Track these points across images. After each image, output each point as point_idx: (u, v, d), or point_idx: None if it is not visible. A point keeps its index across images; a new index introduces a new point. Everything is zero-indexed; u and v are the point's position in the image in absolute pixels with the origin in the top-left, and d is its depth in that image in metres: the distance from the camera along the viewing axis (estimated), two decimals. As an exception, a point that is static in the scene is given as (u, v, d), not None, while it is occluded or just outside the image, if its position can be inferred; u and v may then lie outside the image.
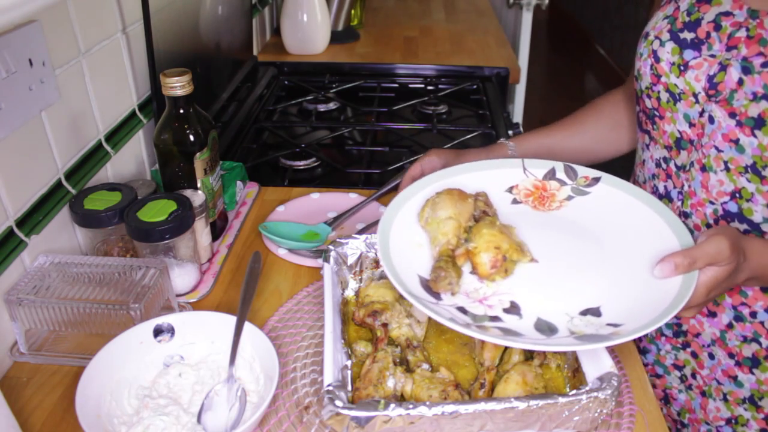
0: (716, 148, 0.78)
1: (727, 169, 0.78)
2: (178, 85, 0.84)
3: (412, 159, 1.02)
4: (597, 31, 5.05)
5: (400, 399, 0.66)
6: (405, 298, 0.64)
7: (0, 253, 0.75)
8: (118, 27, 1.00)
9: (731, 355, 0.86)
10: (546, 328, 0.63)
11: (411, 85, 1.68)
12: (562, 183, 0.82)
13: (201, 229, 0.89)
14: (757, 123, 0.72)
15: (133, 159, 1.05)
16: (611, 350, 0.74)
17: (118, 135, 1.00)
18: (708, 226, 0.82)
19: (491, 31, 2.06)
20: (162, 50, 1.02)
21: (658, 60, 0.82)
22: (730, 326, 0.85)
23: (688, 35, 0.79)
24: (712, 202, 0.81)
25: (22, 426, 0.63)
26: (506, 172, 0.84)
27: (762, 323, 0.83)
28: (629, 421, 0.69)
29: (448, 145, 1.31)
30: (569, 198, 0.81)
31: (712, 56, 0.76)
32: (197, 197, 0.88)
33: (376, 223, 0.83)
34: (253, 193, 1.12)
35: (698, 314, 0.87)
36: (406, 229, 0.75)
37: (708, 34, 0.77)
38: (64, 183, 0.87)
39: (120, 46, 1.01)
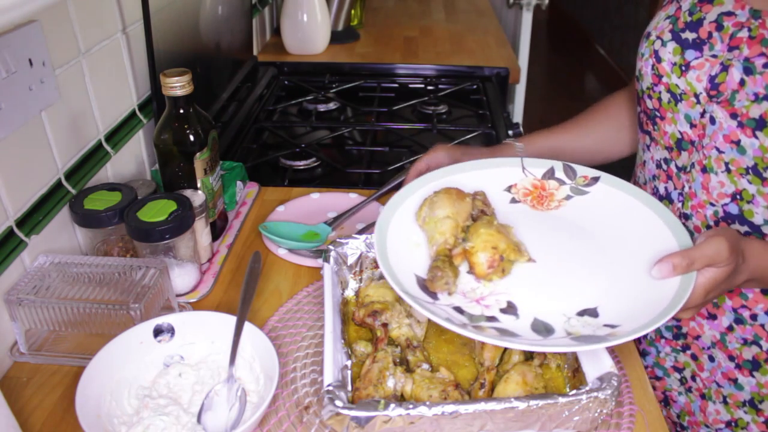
0: (717, 149, 0.77)
1: (728, 171, 0.77)
2: (178, 85, 0.84)
3: (412, 159, 1.02)
4: (597, 31, 5.04)
5: (400, 399, 0.66)
6: (401, 297, 0.64)
7: (0, 253, 0.74)
8: (118, 27, 1.00)
9: (731, 358, 0.85)
10: (543, 329, 0.63)
11: (411, 85, 1.68)
12: (561, 182, 0.82)
13: (201, 229, 0.89)
14: (759, 124, 0.72)
15: (133, 159, 1.05)
16: (611, 350, 0.74)
17: (118, 135, 1.00)
18: (708, 227, 0.82)
19: (491, 31, 2.06)
20: (162, 50, 1.02)
21: (659, 60, 0.81)
22: (730, 329, 0.84)
23: (689, 35, 0.78)
24: (712, 204, 0.80)
25: (22, 426, 0.63)
26: (505, 171, 0.83)
27: (762, 326, 0.82)
28: (629, 421, 0.69)
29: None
30: (568, 198, 0.81)
31: (714, 56, 0.76)
32: (197, 197, 0.88)
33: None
34: (253, 193, 1.12)
35: (698, 317, 0.87)
36: (403, 228, 0.75)
37: (710, 34, 0.76)
38: (64, 183, 0.87)
39: (120, 46, 1.01)
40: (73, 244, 0.89)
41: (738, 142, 0.75)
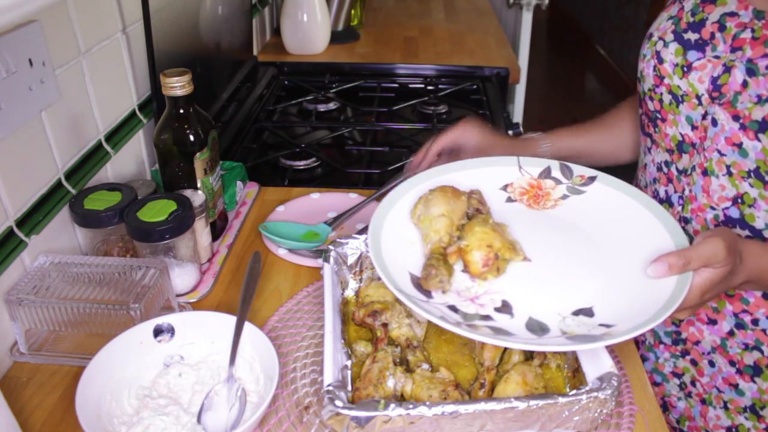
0: (719, 151, 0.76)
1: (730, 174, 0.76)
2: (178, 85, 0.84)
3: (412, 159, 1.02)
4: (597, 31, 5.04)
5: (400, 399, 0.66)
6: (395, 295, 0.64)
7: (0, 253, 0.74)
8: (118, 27, 1.00)
9: (732, 363, 0.85)
10: (537, 328, 0.63)
11: (411, 85, 1.68)
12: (558, 182, 0.82)
13: (201, 229, 0.89)
14: (762, 126, 0.71)
15: (133, 159, 1.05)
16: (611, 350, 0.74)
17: (118, 135, 1.00)
18: None
19: (491, 31, 2.06)
20: (162, 50, 1.02)
21: (661, 61, 0.80)
22: (731, 334, 0.83)
23: (692, 36, 0.77)
24: (713, 208, 0.79)
25: (22, 426, 0.63)
26: (501, 170, 0.83)
27: (764, 331, 0.81)
28: (629, 421, 0.69)
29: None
30: (564, 197, 0.80)
31: (717, 57, 0.75)
32: (197, 197, 0.88)
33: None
34: (253, 193, 1.12)
35: (698, 322, 0.86)
36: (398, 226, 0.74)
37: (712, 35, 0.75)
38: (64, 183, 0.87)
39: (120, 46, 1.01)
40: (73, 244, 0.89)
41: (740, 145, 0.74)
